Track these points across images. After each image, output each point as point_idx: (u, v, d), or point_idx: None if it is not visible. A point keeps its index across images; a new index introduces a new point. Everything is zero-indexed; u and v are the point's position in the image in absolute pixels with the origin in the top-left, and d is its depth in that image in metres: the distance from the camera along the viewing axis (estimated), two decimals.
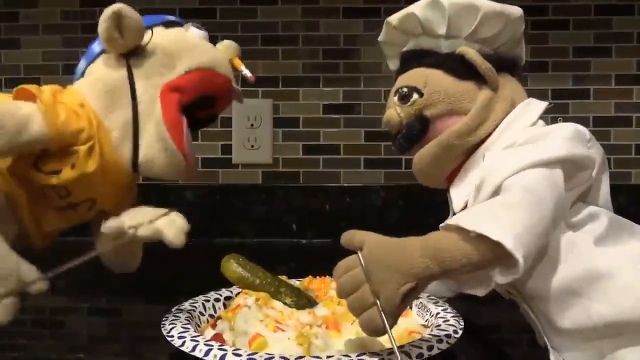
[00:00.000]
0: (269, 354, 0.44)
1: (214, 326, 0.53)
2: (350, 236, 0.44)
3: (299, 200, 1.09)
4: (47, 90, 0.57)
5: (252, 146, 1.10)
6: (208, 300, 0.58)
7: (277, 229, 1.09)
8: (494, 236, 0.38)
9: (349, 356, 0.43)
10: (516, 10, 0.54)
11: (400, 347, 0.45)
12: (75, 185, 0.56)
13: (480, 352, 0.55)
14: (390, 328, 0.40)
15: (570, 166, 0.44)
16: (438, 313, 0.54)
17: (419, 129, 0.53)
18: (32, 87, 0.56)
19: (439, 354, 0.45)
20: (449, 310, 0.55)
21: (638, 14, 1.05)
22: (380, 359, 0.43)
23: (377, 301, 0.40)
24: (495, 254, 0.39)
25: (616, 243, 0.45)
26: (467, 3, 0.52)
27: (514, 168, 0.43)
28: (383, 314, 0.40)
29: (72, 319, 0.67)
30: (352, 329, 0.50)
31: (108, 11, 0.57)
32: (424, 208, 0.95)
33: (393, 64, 0.61)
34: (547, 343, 0.46)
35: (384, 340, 0.49)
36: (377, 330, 0.41)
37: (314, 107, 1.10)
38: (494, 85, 0.52)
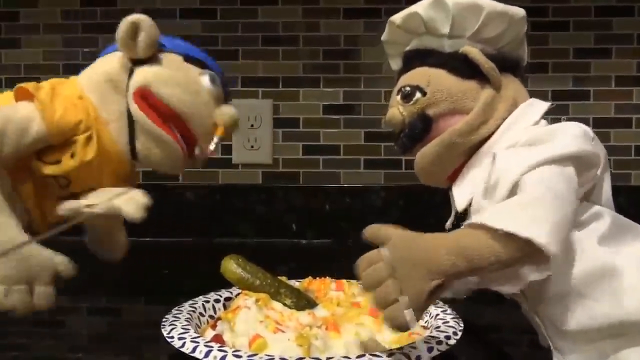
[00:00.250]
0: (269, 355, 0.44)
1: (213, 327, 0.53)
2: (375, 230, 0.44)
3: (299, 201, 1.09)
4: (46, 85, 0.59)
5: (252, 146, 1.10)
6: (208, 301, 0.58)
7: (277, 229, 1.09)
8: (524, 233, 0.38)
9: (349, 357, 0.43)
10: (519, 11, 0.54)
11: (399, 349, 0.45)
12: (76, 174, 0.58)
13: (479, 353, 0.55)
14: (416, 322, 0.40)
15: (579, 163, 0.44)
16: (437, 314, 0.54)
17: (421, 127, 0.53)
18: (29, 86, 0.58)
19: (438, 356, 0.45)
20: (448, 311, 0.55)
21: (638, 16, 1.05)
22: None
23: (403, 297, 0.40)
24: (524, 251, 0.39)
25: (620, 243, 0.45)
26: (471, 3, 0.52)
27: (528, 165, 0.43)
28: (411, 310, 0.40)
29: (72, 318, 0.67)
30: (352, 330, 0.50)
31: (128, 19, 0.60)
32: (424, 208, 0.94)
33: (395, 64, 0.61)
34: (551, 345, 0.46)
35: (384, 342, 0.49)
36: (401, 326, 0.41)
37: (314, 107, 1.10)
38: (496, 84, 0.52)
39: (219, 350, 0.44)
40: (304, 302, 0.56)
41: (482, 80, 0.52)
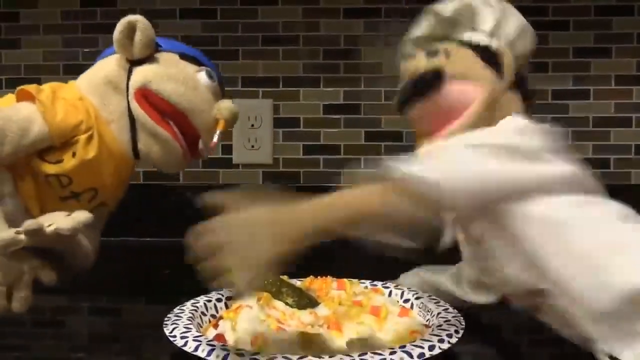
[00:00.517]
0: (271, 354, 0.44)
1: (215, 326, 0.53)
2: (217, 199, 0.42)
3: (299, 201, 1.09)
4: (46, 88, 0.59)
5: (253, 146, 1.10)
6: (210, 300, 0.58)
7: None
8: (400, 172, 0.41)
9: (351, 356, 0.43)
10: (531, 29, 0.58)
11: (401, 347, 0.45)
12: (77, 172, 0.59)
13: (481, 351, 0.55)
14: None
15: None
16: (439, 313, 0.54)
17: (432, 78, 0.55)
18: (31, 88, 0.58)
19: (440, 354, 0.45)
20: (450, 310, 0.55)
21: (638, 15, 1.05)
22: (382, 359, 0.43)
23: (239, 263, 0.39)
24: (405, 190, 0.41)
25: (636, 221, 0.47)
26: (507, 7, 0.57)
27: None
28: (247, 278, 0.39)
29: (72, 318, 0.67)
30: (354, 329, 0.50)
31: (124, 20, 0.61)
32: None
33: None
34: (585, 338, 0.45)
35: (386, 341, 0.49)
36: (238, 295, 0.42)
37: (315, 107, 1.10)
38: (507, 83, 0.54)
39: (221, 349, 0.44)
40: (305, 301, 0.56)
41: (499, 76, 0.55)
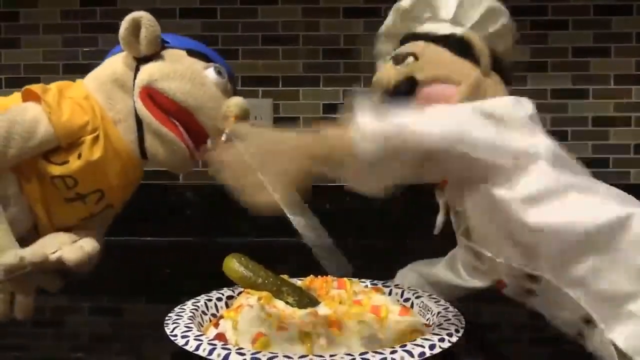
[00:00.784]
0: (272, 353, 0.44)
1: (216, 325, 0.53)
2: (235, 127, 0.45)
3: None
4: (53, 88, 0.59)
5: None
6: (210, 300, 0.58)
7: (278, 228, 1.09)
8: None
9: (352, 355, 0.44)
10: (509, 18, 0.57)
11: (402, 346, 0.45)
12: (82, 174, 0.58)
13: (481, 350, 0.56)
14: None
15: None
16: (439, 312, 0.54)
17: (407, 89, 0.54)
18: (37, 88, 0.58)
19: (440, 353, 0.46)
20: (450, 309, 0.55)
21: (637, 14, 1.06)
22: (383, 358, 0.43)
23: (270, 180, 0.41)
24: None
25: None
26: None
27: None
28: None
29: (73, 318, 0.67)
30: (354, 328, 0.50)
31: (129, 17, 0.60)
32: (424, 209, 0.94)
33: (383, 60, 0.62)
34: (604, 330, 0.44)
35: (387, 340, 0.49)
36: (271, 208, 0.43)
37: (314, 106, 1.10)
38: (485, 70, 0.53)
39: (222, 348, 0.44)
40: (306, 300, 0.56)
41: (473, 63, 0.54)
